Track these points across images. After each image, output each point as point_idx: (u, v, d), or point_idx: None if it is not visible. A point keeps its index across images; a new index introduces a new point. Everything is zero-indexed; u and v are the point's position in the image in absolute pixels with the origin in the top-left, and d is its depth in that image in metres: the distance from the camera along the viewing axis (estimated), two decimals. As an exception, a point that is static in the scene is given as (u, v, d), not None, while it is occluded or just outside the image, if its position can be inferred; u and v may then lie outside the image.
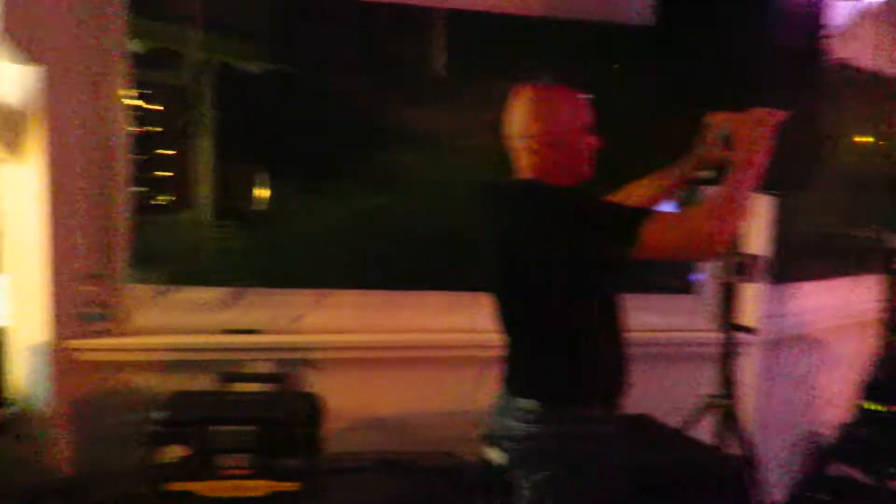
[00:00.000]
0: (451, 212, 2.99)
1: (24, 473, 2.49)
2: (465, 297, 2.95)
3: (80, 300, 2.66)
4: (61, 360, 2.59)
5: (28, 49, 2.42)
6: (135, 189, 2.80)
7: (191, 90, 2.88)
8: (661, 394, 2.76)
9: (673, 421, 2.76)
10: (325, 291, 2.96)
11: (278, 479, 2.28)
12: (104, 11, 2.66)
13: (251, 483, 2.27)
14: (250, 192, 3.00)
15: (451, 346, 2.88)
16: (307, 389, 2.63)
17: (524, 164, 1.87)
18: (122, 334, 2.74)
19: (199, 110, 2.90)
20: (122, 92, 2.73)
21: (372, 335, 2.89)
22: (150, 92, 2.84)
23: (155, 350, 2.71)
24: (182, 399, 2.42)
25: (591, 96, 1.92)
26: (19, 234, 2.57)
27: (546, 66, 2.58)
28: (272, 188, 3.00)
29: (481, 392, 2.32)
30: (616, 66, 3.00)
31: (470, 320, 2.84)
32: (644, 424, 2.77)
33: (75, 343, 2.62)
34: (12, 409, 2.52)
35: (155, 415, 2.33)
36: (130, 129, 2.76)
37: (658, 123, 2.53)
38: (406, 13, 2.98)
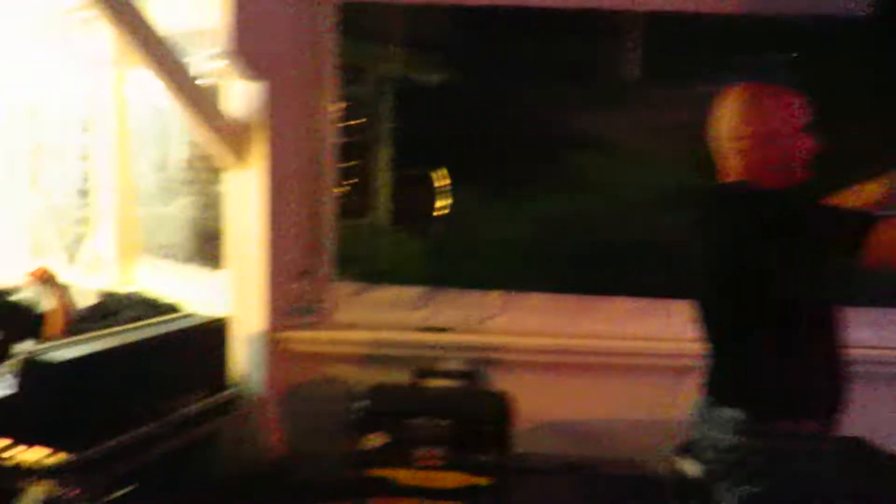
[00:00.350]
0: (643, 216, 2.94)
1: (240, 451, 2.75)
2: (655, 304, 2.88)
3: (291, 295, 2.90)
4: (274, 350, 2.83)
5: (253, 67, 2.67)
6: (338, 194, 3.01)
7: (373, 103, 3.05)
8: (879, 417, 2.54)
9: (891, 448, 2.52)
10: (514, 294, 3.01)
11: (471, 473, 2.34)
12: (318, 32, 2.88)
13: (446, 475, 2.35)
14: (435, 197, 3.12)
15: (642, 354, 2.81)
16: (496, 389, 2.69)
17: (733, 167, 1.80)
18: (327, 328, 2.96)
19: (381, 121, 3.06)
20: (331, 106, 2.94)
21: (560, 339, 2.89)
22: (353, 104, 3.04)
23: (355, 344, 2.90)
24: (382, 390, 2.56)
25: (806, 95, 1.81)
26: (240, 234, 2.84)
27: (753, 64, 2.47)
28: (459, 195, 3.10)
29: (674, 401, 2.27)
30: (829, 62, 2.80)
31: (662, 327, 2.77)
32: (859, 448, 2.56)
33: (286, 335, 2.86)
34: (232, 391, 2.78)
35: (357, 404, 2.49)
36: (337, 139, 2.97)
37: (879, 121, 2.34)
38: (599, 18, 2.97)
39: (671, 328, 2.72)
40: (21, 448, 1.99)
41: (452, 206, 3.15)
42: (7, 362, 2.51)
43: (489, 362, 2.81)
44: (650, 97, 2.95)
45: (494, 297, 3.02)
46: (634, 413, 2.77)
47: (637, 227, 2.96)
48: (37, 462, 1.96)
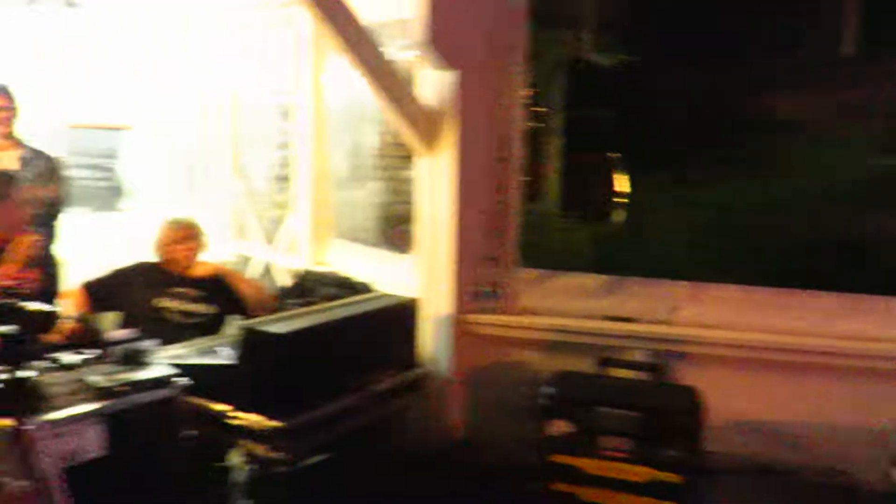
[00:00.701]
0: (851, 205, 2.72)
1: (427, 429, 2.84)
2: (866, 300, 2.65)
3: (477, 280, 2.96)
4: (460, 332, 2.91)
5: (446, 56, 2.73)
6: (524, 180, 3.02)
7: (547, 86, 3.01)
8: None
9: None
10: (703, 285, 2.89)
11: (659, 469, 2.29)
12: (509, 20, 2.88)
13: (632, 468, 2.31)
14: (611, 184, 3.04)
15: (850, 354, 2.59)
16: (685, 382, 2.60)
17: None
18: (511, 313, 2.99)
19: (555, 105, 3.01)
20: (519, 93, 2.94)
21: (755, 334, 2.74)
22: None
23: (538, 329, 2.91)
24: (568, 378, 2.54)
25: None
26: (430, 219, 2.93)
27: None
28: (644, 181, 3.01)
29: (888, 407, 2.09)
30: None
31: (875, 326, 2.55)
32: None
33: (472, 318, 2.93)
34: (421, 371, 2.89)
35: (544, 390, 2.49)
36: (523, 126, 2.98)
37: None
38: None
39: (887, 328, 2.50)
40: (240, 414, 2.19)
41: (635, 193, 3.07)
42: (226, 334, 2.77)
43: (675, 355, 2.72)
44: (866, 74, 2.70)
45: (681, 288, 2.92)
46: (839, 417, 2.56)
47: (844, 217, 2.75)
48: (256, 425, 2.14)
